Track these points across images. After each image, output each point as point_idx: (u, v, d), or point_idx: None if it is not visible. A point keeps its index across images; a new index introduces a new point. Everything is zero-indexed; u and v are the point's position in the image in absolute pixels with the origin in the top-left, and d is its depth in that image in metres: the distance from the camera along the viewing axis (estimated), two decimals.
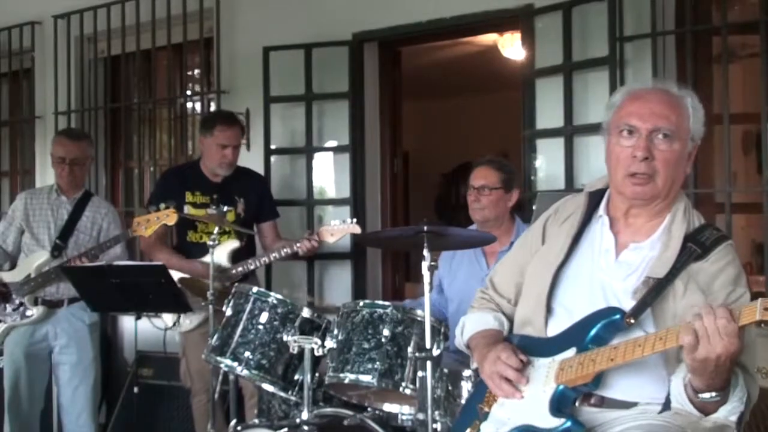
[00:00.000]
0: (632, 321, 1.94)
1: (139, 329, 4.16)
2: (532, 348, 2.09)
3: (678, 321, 1.91)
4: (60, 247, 4.08)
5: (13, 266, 4.20)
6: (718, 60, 3.84)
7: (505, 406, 2.07)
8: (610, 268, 2.08)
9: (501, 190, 3.55)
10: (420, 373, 2.64)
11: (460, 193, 8.54)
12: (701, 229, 2.06)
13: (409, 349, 2.82)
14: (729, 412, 1.81)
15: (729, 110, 3.71)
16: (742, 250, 4.48)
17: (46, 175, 5.65)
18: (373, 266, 4.90)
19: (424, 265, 2.54)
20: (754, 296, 1.83)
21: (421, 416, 2.62)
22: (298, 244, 3.92)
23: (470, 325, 2.29)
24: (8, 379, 4.13)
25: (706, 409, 1.82)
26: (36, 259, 4.06)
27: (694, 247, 2.01)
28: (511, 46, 5.97)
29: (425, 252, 2.55)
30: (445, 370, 2.75)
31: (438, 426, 2.69)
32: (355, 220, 3.96)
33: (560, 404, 1.97)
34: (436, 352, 2.63)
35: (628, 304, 1.99)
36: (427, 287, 2.55)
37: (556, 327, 2.08)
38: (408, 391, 2.81)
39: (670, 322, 1.93)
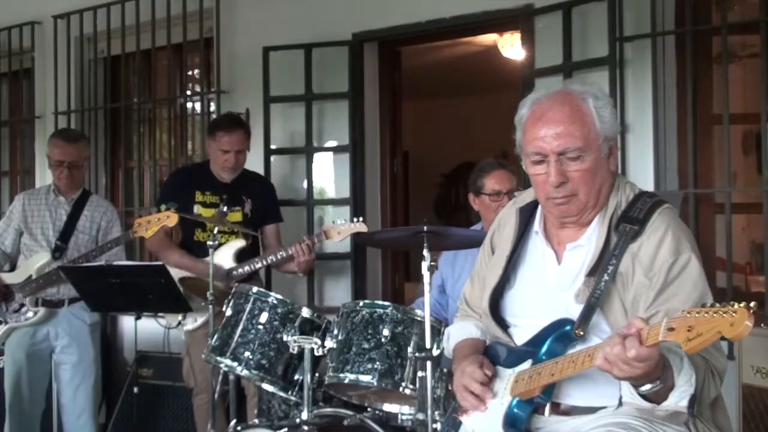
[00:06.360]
0: (581, 333, 1.86)
1: (139, 329, 4.16)
2: (505, 358, 2.07)
3: (632, 313, 1.83)
4: (61, 248, 4.07)
5: (12, 267, 4.20)
6: (718, 60, 3.83)
7: (472, 416, 2.06)
8: (556, 275, 2.03)
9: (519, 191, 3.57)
10: (420, 373, 2.65)
11: (460, 193, 8.55)
12: (633, 202, 1.95)
13: (409, 349, 2.82)
14: (678, 397, 1.72)
15: (729, 110, 3.71)
16: (742, 250, 4.47)
17: (46, 175, 5.62)
18: (373, 266, 4.90)
19: (424, 265, 2.54)
20: (755, 297, 1.77)
21: (421, 416, 2.62)
22: (291, 249, 3.94)
23: (454, 334, 2.28)
24: (9, 380, 4.13)
25: (657, 398, 1.74)
26: (37, 260, 4.06)
27: (629, 226, 1.90)
28: (511, 46, 5.97)
29: (425, 252, 2.55)
30: (445, 370, 2.74)
31: (438, 426, 2.68)
32: (361, 219, 3.99)
33: (515, 417, 1.96)
34: (436, 352, 2.62)
35: (577, 309, 1.91)
36: (427, 287, 2.55)
37: (524, 337, 2.04)
38: (408, 391, 2.81)
39: (622, 319, 1.85)
